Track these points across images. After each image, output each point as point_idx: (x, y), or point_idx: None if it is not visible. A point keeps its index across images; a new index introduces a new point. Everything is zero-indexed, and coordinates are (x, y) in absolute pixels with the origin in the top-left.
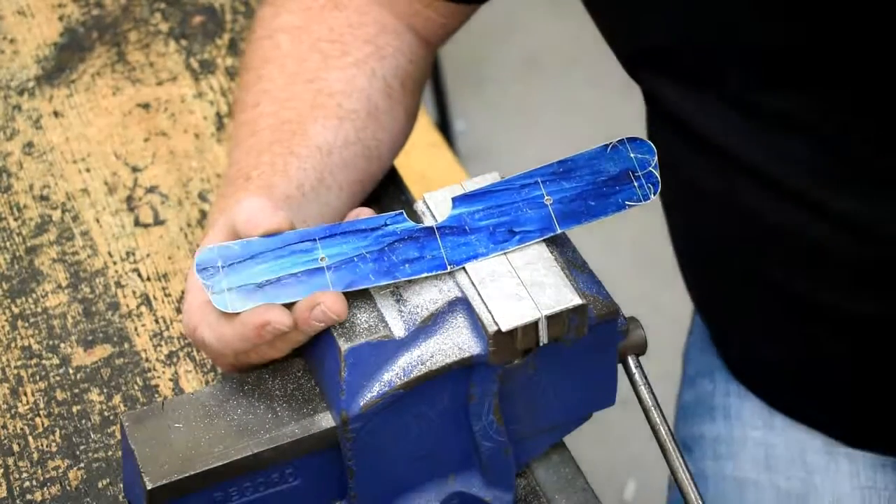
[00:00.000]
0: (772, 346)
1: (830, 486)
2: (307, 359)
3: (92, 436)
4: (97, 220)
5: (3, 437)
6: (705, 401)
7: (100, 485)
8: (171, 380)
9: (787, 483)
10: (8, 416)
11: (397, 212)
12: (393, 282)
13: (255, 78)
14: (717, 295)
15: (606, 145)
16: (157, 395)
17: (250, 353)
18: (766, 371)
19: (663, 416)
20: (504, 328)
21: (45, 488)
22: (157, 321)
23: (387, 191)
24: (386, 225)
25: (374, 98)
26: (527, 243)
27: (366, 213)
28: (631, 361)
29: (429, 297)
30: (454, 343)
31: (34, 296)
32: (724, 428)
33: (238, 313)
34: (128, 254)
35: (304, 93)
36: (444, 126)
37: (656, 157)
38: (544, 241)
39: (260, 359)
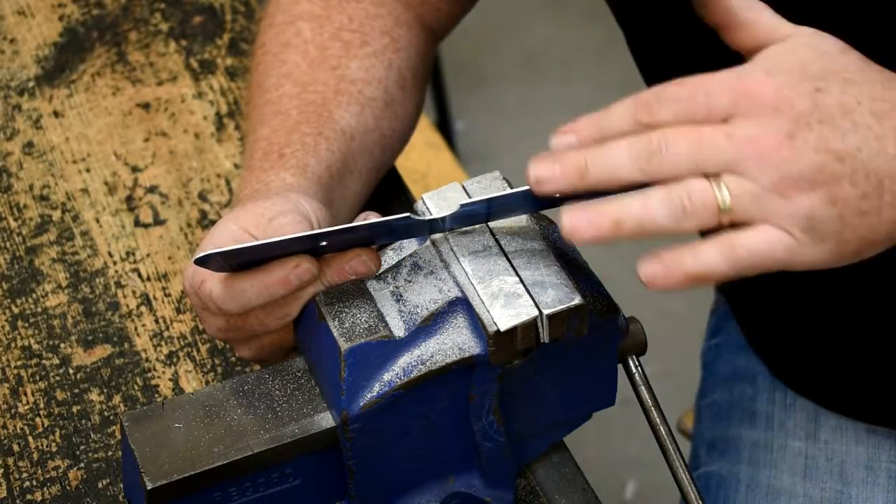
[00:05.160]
0: (824, 346)
1: (864, 499)
2: (307, 359)
3: (92, 436)
4: (97, 220)
5: (3, 437)
6: (744, 404)
7: (100, 485)
8: (171, 380)
9: (821, 493)
10: (8, 416)
11: (403, 214)
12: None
13: (276, 61)
14: (759, 298)
15: None
16: (157, 395)
17: (250, 315)
18: (818, 372)
19: (663, 416)
20: (503, 328)
21: (45, 488)
22: (157, 321)
23: (387, 191)
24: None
25: (391, 89)
26: (526, 241)
27: (373, 216)
28: (631, 361)
29: (429, 297)
30: (454, 343)
31: (34, 296)
32: (764, 435)
33: (260, 267)
34: (128, 254)
35: (327, 78)
36: (444, 126)
37: None
38: (544, 240)
39: (256, 326)
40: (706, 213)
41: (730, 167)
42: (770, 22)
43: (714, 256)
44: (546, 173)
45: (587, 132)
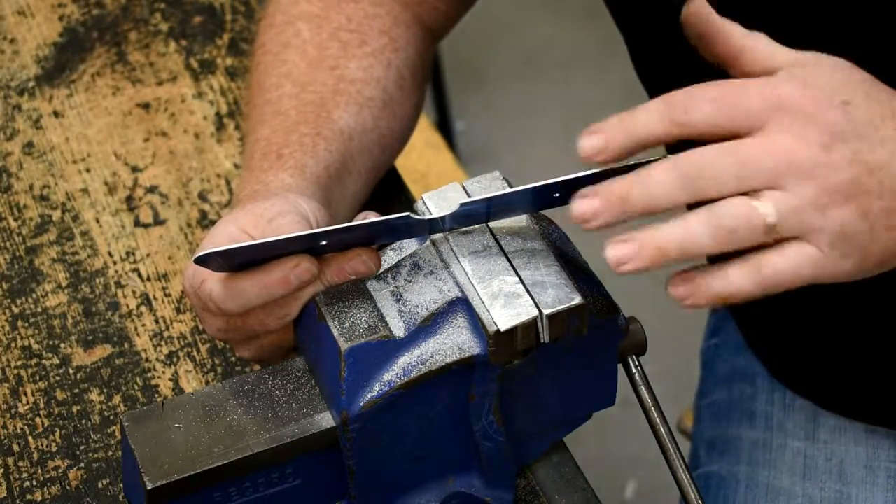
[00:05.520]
0: (823, 347)
1: (864, 499)
2: (307, 359)
3: (92, 436)
4: (97, 220)
5: (3, 437)
6: (743, 404)
7: (100, 485)
8: (171, 380)
9: (820, 493)
10: (8, 416)
11: (403, 214)
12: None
13: (276, 61)
14: (758, 298)
15: None
16: (157, 395)
17: (250, 316)
18: (817, 372)
19: (663, 416)
20: (503, 328)
21: (45, 488)
22: (157, 321)
23: (387, 191)
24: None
25: (390, 88)
26: (526, 241)
27: (373, 215)
28: (631, 361)
29: (429, 297)
30: (454, 343)
31: (34, 296)
32: (764, 434)
33: (260, 267)
34: (128, 254)
35: (326, 78)
36: (444, 126)
37: None
38: (544, 240)
39: (256, 326)
40: (752, 233)
41: (771, 182)
42: (769, 48)
43: (741, 279)
44: (588, 209)
45: (615, 133)
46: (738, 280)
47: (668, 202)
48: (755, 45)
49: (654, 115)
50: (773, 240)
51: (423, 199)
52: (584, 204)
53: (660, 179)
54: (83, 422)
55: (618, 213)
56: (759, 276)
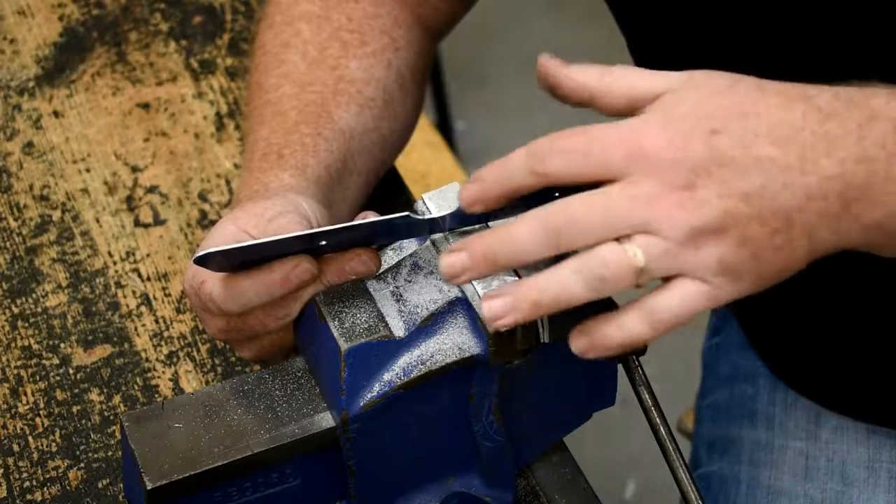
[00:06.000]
0: (826, 346)
1: (865, 500)
2: (307, 359)
3: (92, 436)
4: (97, 220)
5: (3, 437)
6: (745, 404)
7: (100, 485)
8: (171, 380)
9: (821, 494)
10: (8, 416)
11: (403, 213)
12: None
13: (275, 61)
14: (760, 297)
15: None
16: (157, 395)
17: (250, 316)
18: (819, 372)
19: (663, 416)
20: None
21: (45, 488)
22: (157, 321)
23: (387, 191)
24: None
25: (390, 88)
26: None
27: (373, 215)
28: (631, 361)
29: (429, 297)
30: (454, 343)
31: (34, 296)
32: (765, 435)
33: (260, 267)
34: (128, 254)
35: (326, 78)
36: (444, 126)
37: None
38: None
39: (256, 327)
40: (624, 278)
41: (638, 228)
42: (627, 83)
43: (637, 326)
44: (458, 264)
45: (488, 185)
46: (633, 327)
47: (535, 258)
48: (612, 86)
49: (519, 167)
50: (647, 281)
51: (423, 199)
52: (452, 259)
53: (525, 237)
54: (83, 422)
55: (484, 269)
56: (653, 319)
